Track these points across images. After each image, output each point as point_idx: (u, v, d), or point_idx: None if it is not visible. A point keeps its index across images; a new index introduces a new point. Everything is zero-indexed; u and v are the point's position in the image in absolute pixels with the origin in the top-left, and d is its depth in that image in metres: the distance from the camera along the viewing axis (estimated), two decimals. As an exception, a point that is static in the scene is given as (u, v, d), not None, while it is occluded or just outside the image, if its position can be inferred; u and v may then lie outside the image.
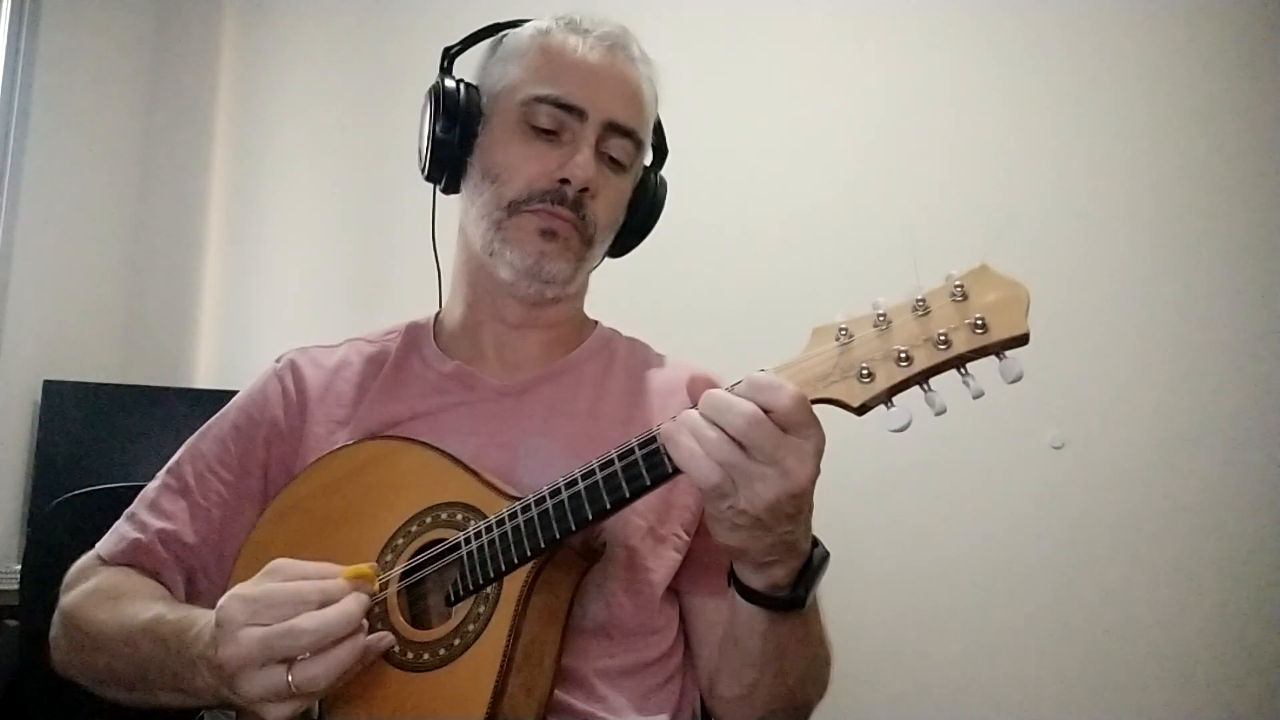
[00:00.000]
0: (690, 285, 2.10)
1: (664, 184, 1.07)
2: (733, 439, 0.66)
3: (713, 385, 0.70)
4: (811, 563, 0.75)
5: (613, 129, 0.95)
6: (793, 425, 0.66)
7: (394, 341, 1.04)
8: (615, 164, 0.97)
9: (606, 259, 1.07)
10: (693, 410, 0.69)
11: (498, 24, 1.04)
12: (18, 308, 2.61)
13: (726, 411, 0.67)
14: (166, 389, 2.64)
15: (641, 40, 1.02)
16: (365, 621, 0.73)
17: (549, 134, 0.94)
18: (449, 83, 0.99)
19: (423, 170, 1.02)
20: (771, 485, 0.66)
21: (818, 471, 0.68)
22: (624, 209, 1.02)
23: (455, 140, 0.98)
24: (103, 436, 2.48)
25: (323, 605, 0.71)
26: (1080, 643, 1.75)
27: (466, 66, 1.04)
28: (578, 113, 0.94)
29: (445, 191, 1.03)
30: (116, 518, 0.98)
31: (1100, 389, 1.79)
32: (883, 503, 1.90)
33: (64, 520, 1.25)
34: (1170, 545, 1.71)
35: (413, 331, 1.06)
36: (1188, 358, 1.75)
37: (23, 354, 2.60)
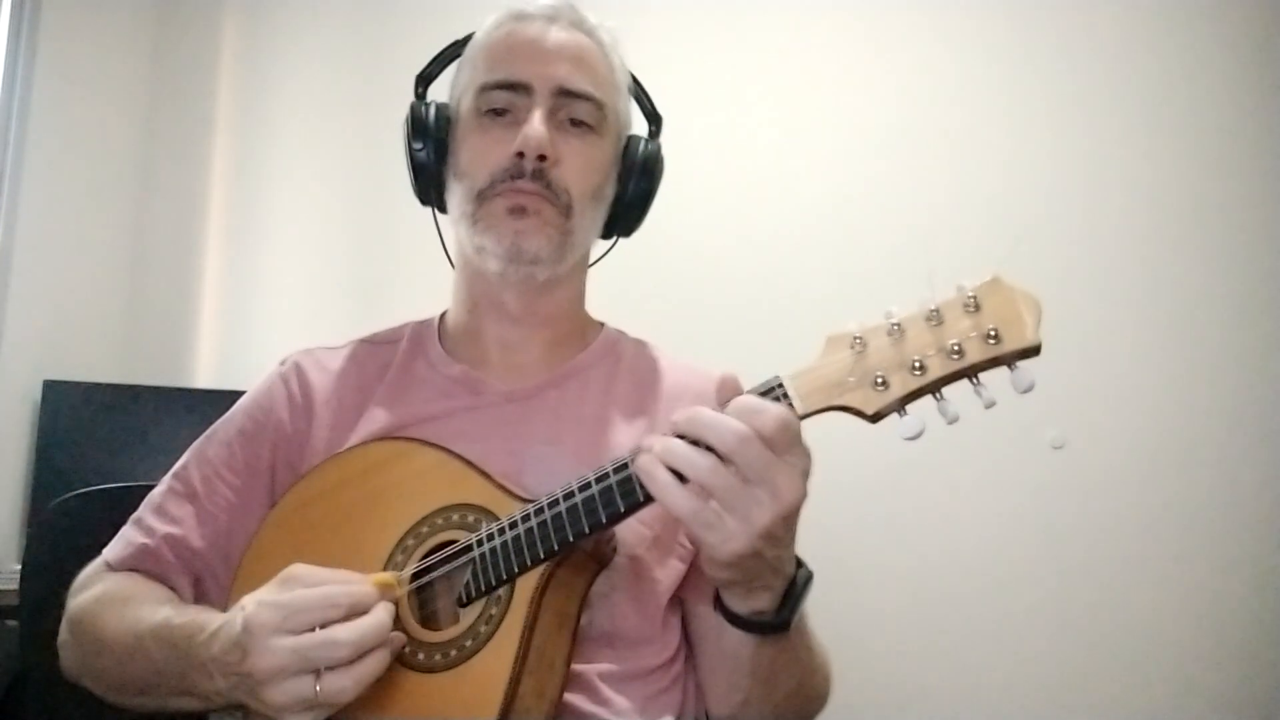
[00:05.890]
0: (703, 288, 2.09)
1: (656, 150, 1.03)
2: (722, 458, 0.66)
3: (738, 388, 0.70)
4: (796, 584, 0.74)
5: (565, 94, 0.94)
6: (780, 446, 0.66)
7: (399, 343, 1.04)
8: (580, 125, 0.96)
9: (620, 241, 1.06)
10: (673, 438, 0.68)
11: (456, 41, 1.05)
12: (18, 308, 2.60)
13: (715, 428, 0.66)
14: (166, 389, 2.63)
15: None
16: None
17: (503, 115, 0.95)
18: (418, 105, 1.01)
19: (417, 195, 1.03)
20: (766, 509, 0.66)
21: (806, 493, 0.68)
22: (604, 174, 0.99)
23: (430, 157, 0.99)
24: (103, 436, 2.48)
25: (351, 611, 0.71)
26: (1079, 642, 1.75)
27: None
28: (523, 88, 0.94)
29: (443, 210, 1.03)
30: (116, 517, 0.98)
31: (1100, 389, 1.79)
32: (882, 502, 1.90)
33: (64, 520, 1.25)
34: (1169, 545, 1.71)
35: (418, 333, 1.05)
36: (1188, 358, 1.75)
37: (23, 354, 2.59)
